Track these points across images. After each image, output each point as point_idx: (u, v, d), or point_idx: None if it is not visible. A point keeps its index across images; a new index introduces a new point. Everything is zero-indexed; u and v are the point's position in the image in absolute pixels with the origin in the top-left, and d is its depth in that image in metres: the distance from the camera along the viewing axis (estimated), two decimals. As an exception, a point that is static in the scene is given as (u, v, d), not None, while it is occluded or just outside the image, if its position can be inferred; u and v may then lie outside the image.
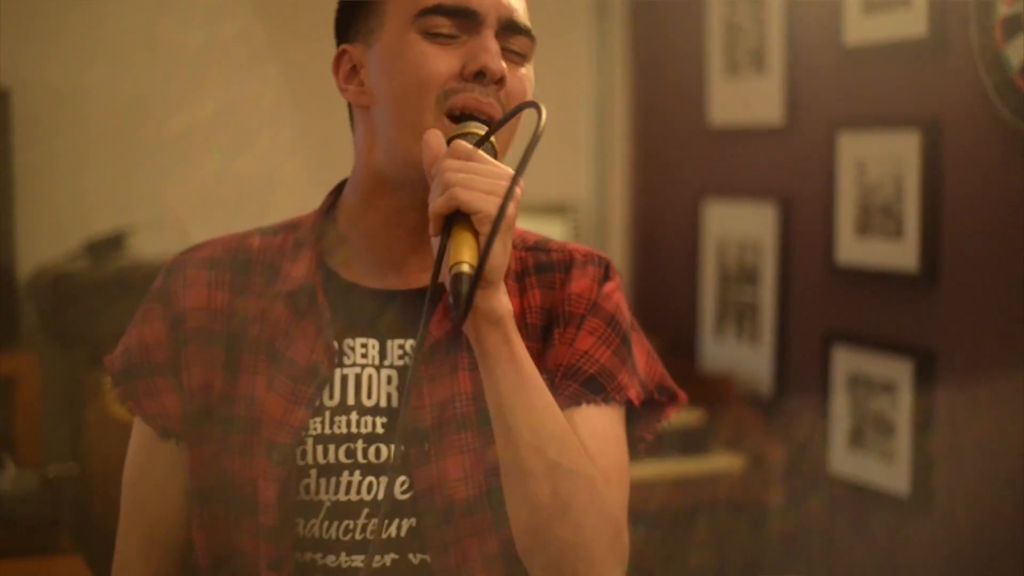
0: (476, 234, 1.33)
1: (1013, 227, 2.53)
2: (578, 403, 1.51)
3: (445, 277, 1.32)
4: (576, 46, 3.85)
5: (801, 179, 3.14)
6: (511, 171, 1.37)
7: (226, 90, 3.39)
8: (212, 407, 1.53)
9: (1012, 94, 2.47)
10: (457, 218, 1.33)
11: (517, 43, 1.51)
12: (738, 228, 3.37)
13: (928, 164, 2.70)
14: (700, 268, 3.54)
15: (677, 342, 3.55)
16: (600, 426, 1.51)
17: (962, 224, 2.65)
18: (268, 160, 3.43)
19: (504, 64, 1.47)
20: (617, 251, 3.86)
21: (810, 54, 3.10)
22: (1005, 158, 2.53)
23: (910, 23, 2.73)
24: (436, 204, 1.34)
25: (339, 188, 1.62)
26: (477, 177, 1.34)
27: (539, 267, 1.59)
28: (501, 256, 1.35)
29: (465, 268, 1.29)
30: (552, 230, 3.73)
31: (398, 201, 1.51)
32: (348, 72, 1.54)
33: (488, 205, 1.32)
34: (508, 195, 1.32)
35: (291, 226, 1.61)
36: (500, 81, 1.46)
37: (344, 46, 1.55)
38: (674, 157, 3.72)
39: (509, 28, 1.49)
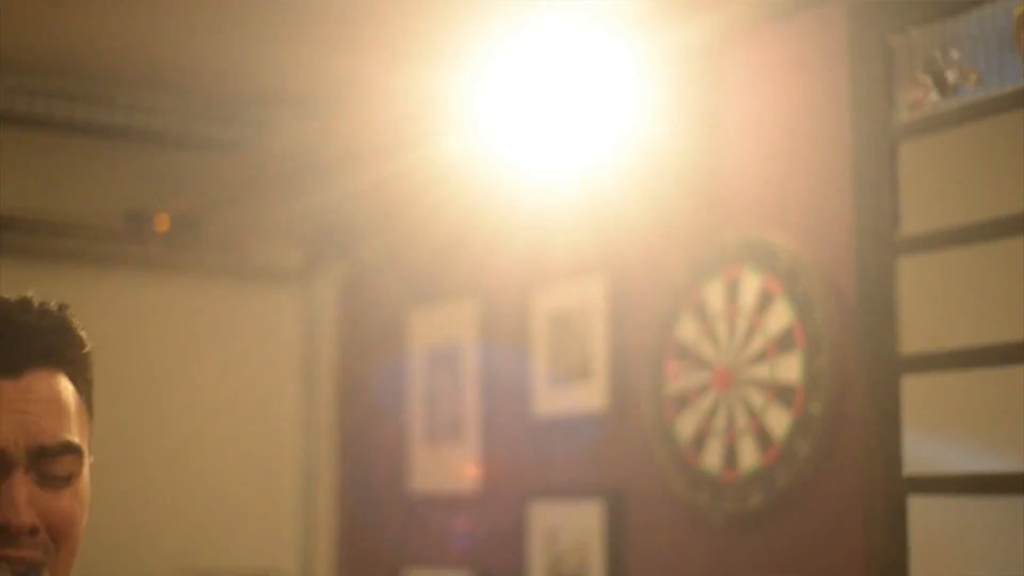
0: None
1: (691, 595, 2.58)
2: None
3: None
4: (284, 413, 3.85)
5: (496, 547, 3.15)
6: None
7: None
8: None
9: (682, 466, 2.57)
10: None
11: (57, 467, 1.36)
12: (437, 597, 3.33)
13: (612, 533, 2.75)
14: (401, 638, 3.45)
15: None
16: None
17: (645, 592, 2.70)
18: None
19: (37, 505, 1.34)
20: (319, 620, 3.74)
21: (503, 425, 3.17)
22: (679, 527, 2.61)
23: (592, 397, 2.85)
24: None
25: None
26: None
27: None
28: None
29: None
30: (252, 599, 3.61)
31: None
32: None
33: None
34: None
35: None
36: (33, 531, 1.32)
37: None
38: (377, 524, 3.68)
39: (44, 455, 1.36)
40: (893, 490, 2.16)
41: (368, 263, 3.71)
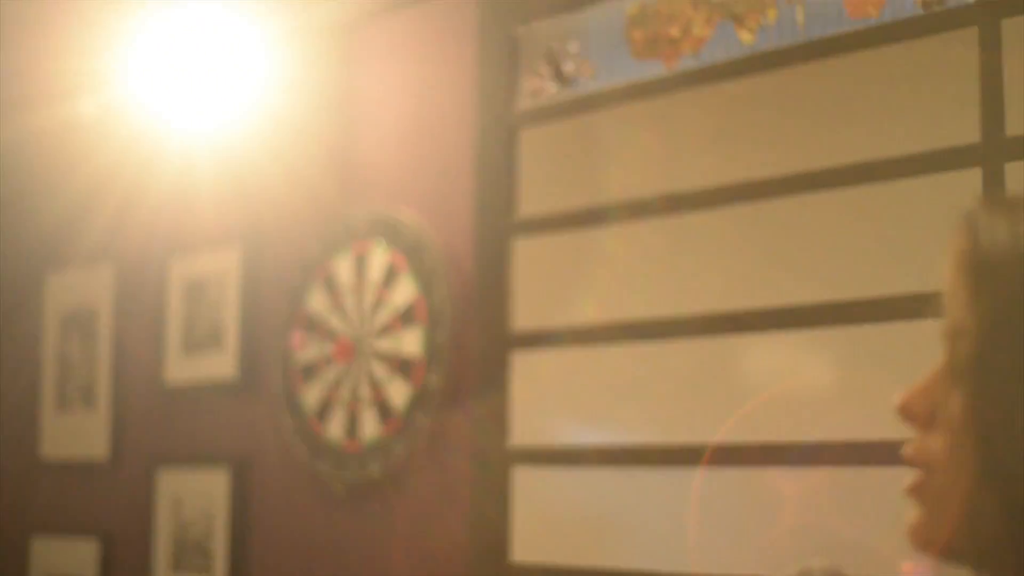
0: None
1: (314, 559, 2.55)
2: None
3: None
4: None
5: (123, 514, 3.03)
6: None
7: None
8: None
9: (307, 435, 2.54)
10: None
11: None
12: (62, 565, 3.17)
13: (236, 500, 2.69)
14: (25, 607, 3.28)
15: None
16: None
17: (268, 560, 2.65)
18: None
19: None
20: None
21: (135, 392, 3.05)
22: (302, 495, 2.58)
23: (223, 366, 2.77)
24: None
25: None
26: None
27: None
28: None
29: None
30: None
31: None
32: None
33: None
34: None
35: None
36: None
37: None
38: (3, 490, 3.49)
39: None
40: (499, 460, 2.20)
41: (1, 222, 3.49)
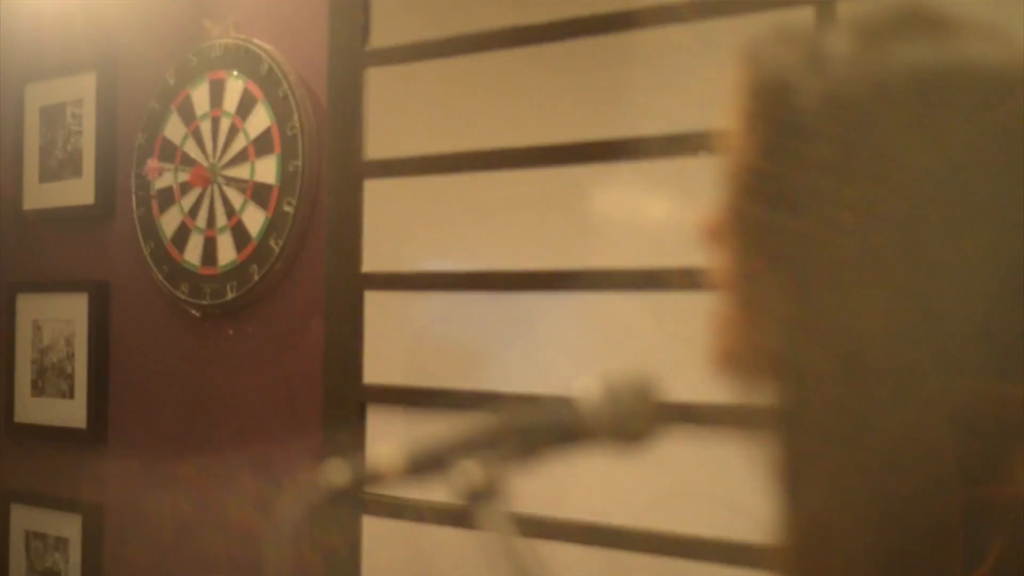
0: None
1: (172, 381, 2.57)
2: None
3: None
4: None
5: (-16, 340, 3.01)
6: None
7: None
8: None
9: (166, 260, 2.54)
10: None
11: None
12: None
13: (96, 325, 2.69)
14: None
15: None
16: None
17: (127, 383, 2.67)
18: None
19: None
20: None
21: (-8, 218, 3.01)
22: (161, 319, 2.59)
23: (81, 191, 2.74)
24: None
25: None
26: None
27: None
28: None
29: None
30: None
31: None
32: None
33: None
34: None
35: None
36: None
37: None
38: None
39: None
40: (351, 285, 2.24)
41: None
